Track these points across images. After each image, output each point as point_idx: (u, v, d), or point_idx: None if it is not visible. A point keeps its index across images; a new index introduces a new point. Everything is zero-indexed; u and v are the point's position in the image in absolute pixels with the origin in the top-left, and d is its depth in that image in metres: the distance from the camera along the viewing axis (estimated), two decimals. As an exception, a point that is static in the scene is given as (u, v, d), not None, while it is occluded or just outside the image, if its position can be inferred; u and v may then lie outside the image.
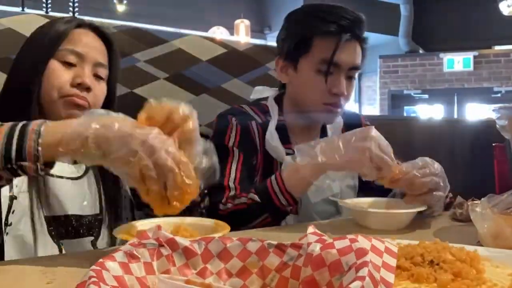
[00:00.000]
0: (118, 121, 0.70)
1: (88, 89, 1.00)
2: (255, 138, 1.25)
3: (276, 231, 1.01)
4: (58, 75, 0.99)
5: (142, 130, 0.69)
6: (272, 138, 1.25)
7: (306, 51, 1.22)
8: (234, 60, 1.60)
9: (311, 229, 0.51)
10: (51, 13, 3.66)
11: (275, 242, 0.50)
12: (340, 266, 0.44)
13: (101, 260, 0.45)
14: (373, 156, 0.97)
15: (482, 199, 0.82)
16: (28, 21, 1.29)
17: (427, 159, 1.07)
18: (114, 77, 1.10)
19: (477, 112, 8.00)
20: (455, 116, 7.99)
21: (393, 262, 0.47)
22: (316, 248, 0.47)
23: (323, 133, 1.36)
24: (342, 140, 1.00)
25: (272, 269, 0.49)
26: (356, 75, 1.27)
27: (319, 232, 0.50)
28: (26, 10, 4.05)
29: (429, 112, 8.36)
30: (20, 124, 0.72)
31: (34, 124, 0.72)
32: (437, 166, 1.06)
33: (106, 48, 1.08)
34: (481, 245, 0.81)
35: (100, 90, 1.04)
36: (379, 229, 1.01)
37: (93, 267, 0.44)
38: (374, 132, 1.00)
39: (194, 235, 0.77)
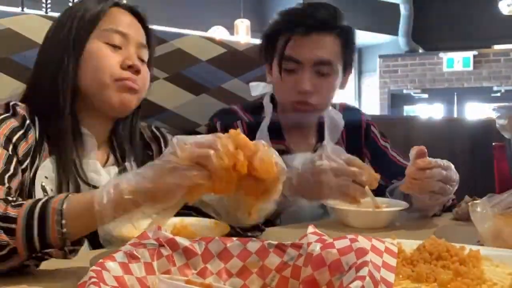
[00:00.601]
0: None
1: (138, 71, 0.96)
2: None
3: (272, 232, 1.01)
4: (107, 57, 0.94)
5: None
6: (262, 135, 1.23)
7: (273, 52, 1.23)
8: (234, 60, 1.60)
9: (311, 228, 0.51)
10: (50, 13, 3.65)
11: (275, 242, 0.51)
12: (340, 265, 0.44)
13: (101, 260, 0.45)
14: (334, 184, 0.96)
15: (482, 198, 0.82)
16: (27, 22, 1.29)
17: (451, 165, 1.06)
18: (151, 60, 1.05)
19: (476, 111, 8.00)
20: (455, 115, 7.98)
21: (393, 262, 0.47)
22: (316, 248, 0.47)
23: (320, 132, 1.33)
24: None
25: (272, 269, 0.49)
26: (333, 71, 1.19)
27: (319, 232, 0.50)
28: (26, 10, 4.04)
29: (429, 111, 8.36)
30: (38, 208, 0.66)
31: (54, 203, 0.66)
32: (454, 174, 1.05)
33: (143, 29, 1.03)
34: (481, 245, 0.81)
35: (146, 73, 1.00)
36: (361, 228, 1.01)
37: (94, 267, 0.44)
38: (323, 155, 0.98)
39: (193, 235, 0.78)
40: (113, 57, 0.95)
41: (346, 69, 1.26)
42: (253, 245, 0.51)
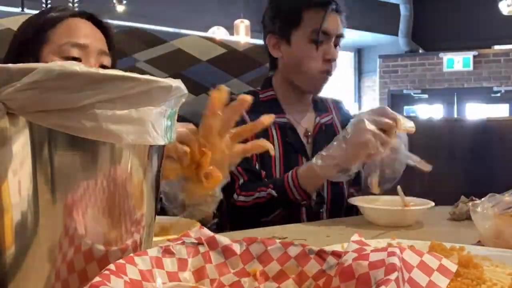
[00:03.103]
0: None
1: None
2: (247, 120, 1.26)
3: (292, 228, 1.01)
4: None
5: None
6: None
7: (297, 24, 1.30)
8: (234, 60, 1.61)
9: (355, 236, 0.49)
10: (50, 13, 3.65)
11: (316, 248, 0.49)
12: (368, 280, 0.41)
13: (131, 255, 0.45)
14: (376, 140, 1.04)
15: (483, 199, 0.82)
16: (28, 22, 1.28)
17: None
18: (113, 66, 1.03)
19: (476, 111, 8.00)
20: (455, 115, 7.98)
21: (443, 282, 0.42)
22: (349, 258, 0.44)
23: (315, 106, 1.43)
24: (344, 140, 1.08)
25: (309, 276, 0.48)
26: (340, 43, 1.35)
27: (364, 240, 0.48)
28: (26, 10, 4.04)
29: (429, 111, 8.36)
30: None
31: None
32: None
33: (104, 36, 1.01)
34: (482, 245, 0.81)
35: None
36: (389, 226, 1.03)
37: (118, 261, 0.43)
38: (366, 122, 1.06)
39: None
40: None
41: None
42: (294, 249, 0.50)
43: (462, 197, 1.13)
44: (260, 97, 1.37)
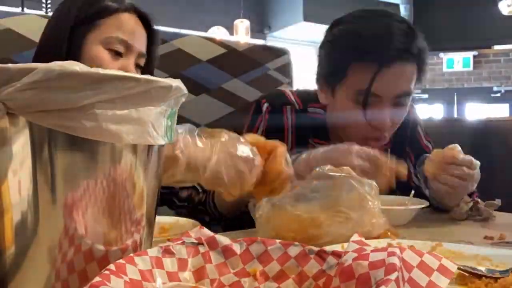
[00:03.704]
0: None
1: None
2: (287, 128, 1.17)
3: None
4: (106, 65, 0.95)
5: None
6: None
7: (341, 78, 1.05)
8: (234, 60, 1.60)
9: (355, 236, 0.48)
10: (50, 13, 3.65)
11: (316, 249, 0.49)
12: (368, 280, 0.41)
13: (131, 255, 0.45)
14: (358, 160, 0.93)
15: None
16: (28, 21, 1.29)
17: (477, 164, 1.01)
18: (153, 65, 1.07)
19: (476, 111, 8.00)
20: (455, 115, 7.98)
21: (443, 282, 0.42)
22: (349, 258, 0.44)
23: None
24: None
25: (310, 276, 0.48)
26: (409, 101, 1.08)
27: (364, 240, 0.47)
28: (26, 10, 4.04)
29: (429, 111, 8.36)
30: None
31: None
32: (476, 175, 1.00)
33: (146, 35, 1.04)
34: (487, 243, 0.81)
35: None
36: None
37: (118, 261, 0.43)
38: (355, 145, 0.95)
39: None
40: (112, 65, 0.96)
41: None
42: (294, 249, 0.50)
43: (466, 197, 1.13)
44: (308, 111, 1.18)
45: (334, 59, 1.07)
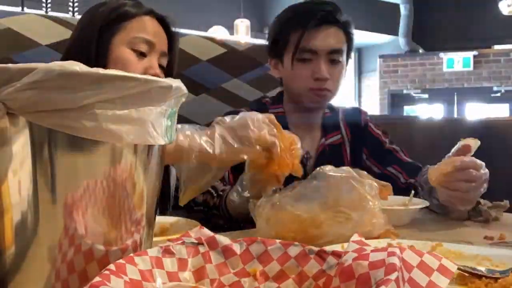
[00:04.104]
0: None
1: None
2: None
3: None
4: (132, 65, 1.00)
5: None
6: None
7: (285, 45, 1.31)
8: (234, 60, 1.61)
9: (355, 236, 0.49)
10: (50, 13, 3.65)
11: (316, 248, 0.49)
12: (368, 280, 0.41)
13: (131, 255, 0.45)
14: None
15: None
16: (28, 21, 1.29)
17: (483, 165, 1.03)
18: (173, 66, 1.12)
19: (476, 111, 8.00)
20: (455, 115, 7.98)
21: (443, 282, 0.42)
22: (349, 258, 0.44)
23: (324, 128, 1.39)
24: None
25: (310, 276, 0.48)
26: (341, 59, 1.31)
27: (364, 240, 0.48)
28: (26, 10, 4.04)
29: (429, 111, 8.36)
30: None
31: None
32: (483, 174, 1.02)
33: (167, 37, 1.09)
34: (487, 243, 0.81)
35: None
36: None
37: (118, 261, 0.43)
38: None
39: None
40: (138, 64, 1.00)
41: (347, 59, 1.39)
42: (294, 249, 0.50)
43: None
44: (270, 112, 1.36)
45: (279, 33, 1.34)
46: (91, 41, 1.00)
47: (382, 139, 1.42)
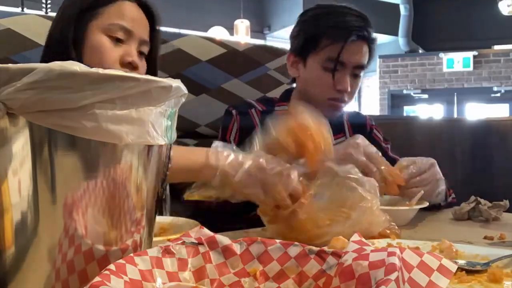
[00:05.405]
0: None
1: (135, 68, 0.99)
2: (257, 124, 1.32)
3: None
4: (108, 52, 0.97)
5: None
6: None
7: (314, 49, 1.30)
8: (234, 60, 1.60)
9: (355, 236, 0.49)
10: (50, 13, 3.65)
11: (316, 248, 0.49)
12: (368, 280, 0.41)
13: (131, 255, 0.45)
14: (356, 161, 1.04)
15: None
16: (28, 22, 1.29)
17: (412, 159, 1.13)
18: (156, 53, 1.09)
19: (476, 111, 8.00)
20: (455, 115, 7.98)
21: (443, 282, 0.42)
22: (349, 258, 0.44)
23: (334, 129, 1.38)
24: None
25: (309, 276, 0.48)
26: (362, 74, 1.34)
27: (364, 240, 0.48)
28: (26, 10, 4.05)
29: (429, 111, 8.36)
30: None
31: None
32: (425, 161, 1.11)
33: (149, 23, 1.06)
34: (487, 243, 0.81)
35: (143, 67, 1.03)
36: None
37: (118, 261, 0.43)
38: (360, 139, 1.09)
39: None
40: (114, 51, 0.97)
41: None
42: (294, 249, 0.50)
43: (472, 197, 1.13)
44: (276, 109, 1.37)
45: (309, 33, 1.31)
46: (70, 25, 0.98)
47: (384, 145, 1.44)
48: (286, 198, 0.84)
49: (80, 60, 0.96)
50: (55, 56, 0.94)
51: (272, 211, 0.86)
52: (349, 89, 1.29)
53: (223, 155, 0.84)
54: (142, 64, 1.03)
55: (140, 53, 1.02)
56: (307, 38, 1.32)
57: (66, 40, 0.97)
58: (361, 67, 1.31)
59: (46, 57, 1.01)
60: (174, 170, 0.69)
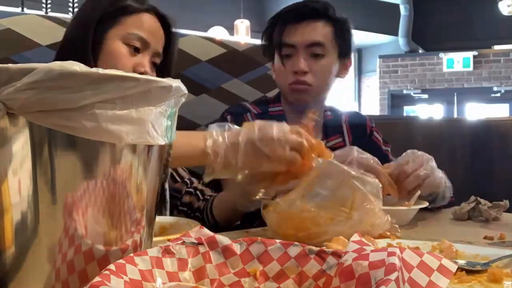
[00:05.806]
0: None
1: None
2: None
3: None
4: (123, 59, 1.00)
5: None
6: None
7: (271, 43, 1.33)
8: (234, 60, 1.60)
9: (355, 236, 0.49)
10: (50, 13, 3.65)
11: (316, 248, 0.49)
12: (368, 280, 0.41)
13: (131, 254, 0.45)
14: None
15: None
16: (28, 22, 1.29)
17: (412, 152, 1.12)
18: (170, 65, 1.12)
19: (476, 111, 8.00)
20: (455, 115, 7.98)
21: (443, 282, 0.42)
22: (349, 258, 0.44)
23: (325, 129, 1.38)
24: None
25: (309, 276, 0.48)
26: (328, 53, 1.29)
27: (364, 240, 0.48)
28: (26, 10, 4.04)
29: (429, 111, 8.36)
30: None
31: None
32: (426, 157, 1.10)
33: (164, 35, 1.09)
34: (487, 243, 0.81)
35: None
36: None
37: (118, 261, 0.43)
38: (355, 151, 1.08)
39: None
40: (129, 60, 1.00)
41: (344, 57, 1.36)
42: (294, 249, 0.50)
43: (472, 197, 1.13)
44: (270, 110, 1.37)
45: (269, 34, 1.34)
46: (89, 30, 1.00)
47: (384, 148, 1.42)
48: (289, 151, 0.86)
49: (96, 64, 0.99)
50: (72, 57, 0.94)
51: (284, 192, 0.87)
52: (305, 69, 1.26)
53: (219, 139, 0.85)
54: (153, 75, 1.05)
55: (153, 64, 1.05)
56: (266, 39, 1.35)
57: (86, 43, 0.99)
58: (316, 44, 1.27)
59: (63, 58, 1.02)
60: (173, 157, 0.70)
